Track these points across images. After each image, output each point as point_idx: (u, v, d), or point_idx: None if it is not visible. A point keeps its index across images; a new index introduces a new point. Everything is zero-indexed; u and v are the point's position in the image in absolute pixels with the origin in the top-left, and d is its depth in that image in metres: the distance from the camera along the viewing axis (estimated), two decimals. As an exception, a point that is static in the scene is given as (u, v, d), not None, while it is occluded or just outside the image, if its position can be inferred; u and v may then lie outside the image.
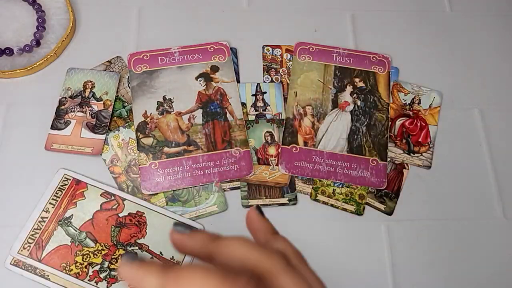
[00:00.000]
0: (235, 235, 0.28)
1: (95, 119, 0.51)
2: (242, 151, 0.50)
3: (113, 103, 0.52)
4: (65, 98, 0.51)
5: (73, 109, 0.51)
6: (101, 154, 0.49)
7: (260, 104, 0.53)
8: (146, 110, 0.51)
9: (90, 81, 0.52)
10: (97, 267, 0.45)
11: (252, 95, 0.54)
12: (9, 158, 0.49)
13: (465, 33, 0.60)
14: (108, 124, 0.51)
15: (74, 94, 0.52)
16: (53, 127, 0.50)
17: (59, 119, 0.50)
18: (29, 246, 0.44)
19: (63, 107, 0.51)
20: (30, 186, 0.48)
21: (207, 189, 0.49)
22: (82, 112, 0.51)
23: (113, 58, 0.54)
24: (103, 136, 0.50)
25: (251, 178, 0.50)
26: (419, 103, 0.55)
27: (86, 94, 0.52)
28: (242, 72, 0.55)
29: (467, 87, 0.57)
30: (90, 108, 0.51)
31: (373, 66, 0.56)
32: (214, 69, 0.54)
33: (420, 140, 0.53)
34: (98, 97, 0.52)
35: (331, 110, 0.53)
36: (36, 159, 0.49)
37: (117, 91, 0.53)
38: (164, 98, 0.52)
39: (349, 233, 0.49)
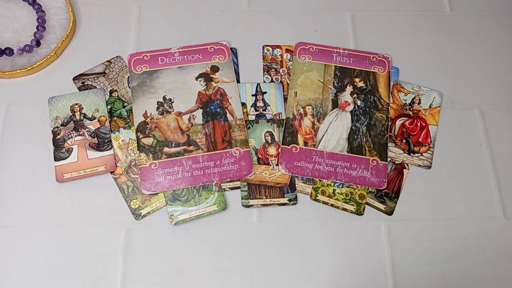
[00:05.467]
0: None
1: (95, 137, 0.50)
2: (242, 151, 0.50)
3: (107, 118, 0.51)
4: (57, 127, 0.50)
5: (70, 136, 0.50)
6: (112, 172, 0.49)
7: (260, 104, 0.53)
8: (146, 110, 0.52)
9: (76, 104, 0.51)
10: None
11: (252, 95, 0.54)
12: (9, 158, 0.49)
13: (465, 33, 0.60)
14: (110, 138, 0.50)
15: (65, 121, 0.50)
16: (56, 158, 0.49)
17: (59, 149, 0.49)
18: None
19: (58, 136, 0.50)
20: (30, 187, 0.48)
21: (207, 189, 0.49)
22: (80, 135, 0.50)
23: (113, 58, 0.54)
24: (111, 151, 0.49)
25: (251, 178, 0.50)
26: (419, 103, 0.55)
27: (77, 117, 0.51)
28: (242, 72, 0.55)
29: (467, 87, 0.57)
30: (86, 129, 0.50)
31: (373, 66, 0.56)
32: (214, 69, 0.54)
33: (420, 140, 0.53)
34: (90, 116, 0.51)
35: (331, 110, 0.53)
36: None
37: (117, 91, 0.53)
38: (164, 98, 0.52)
39: (349, 233, 0.49)
